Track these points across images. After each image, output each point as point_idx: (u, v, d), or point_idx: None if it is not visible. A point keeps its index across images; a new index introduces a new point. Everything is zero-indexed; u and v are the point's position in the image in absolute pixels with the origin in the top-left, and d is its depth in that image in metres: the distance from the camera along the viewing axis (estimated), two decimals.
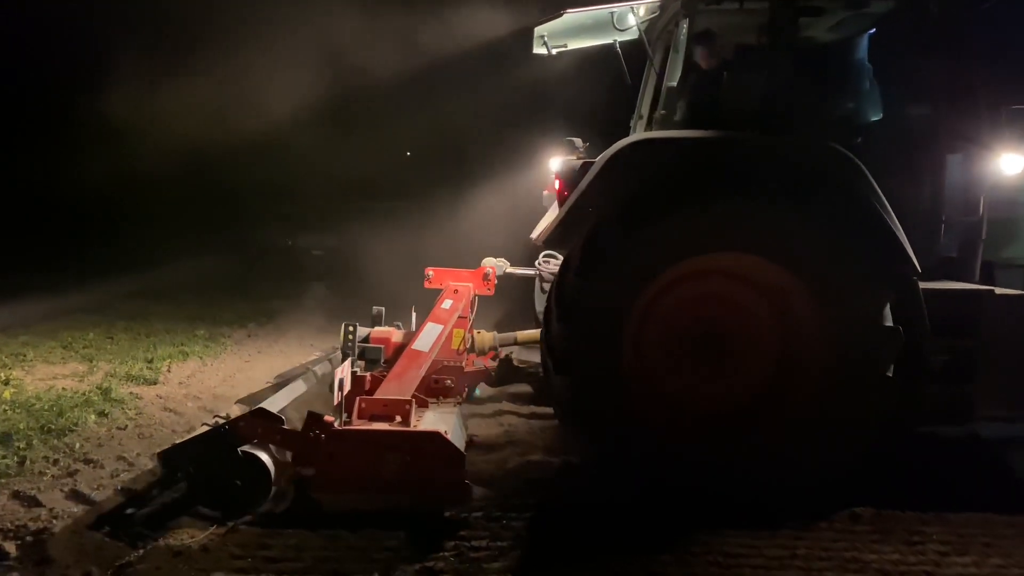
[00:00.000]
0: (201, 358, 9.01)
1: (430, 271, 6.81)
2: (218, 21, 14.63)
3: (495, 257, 6.96)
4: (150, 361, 8.56)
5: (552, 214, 6.25)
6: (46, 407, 6.38)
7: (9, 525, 4.34)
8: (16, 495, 4.74)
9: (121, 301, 12.33)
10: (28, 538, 4.23)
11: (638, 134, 5.27)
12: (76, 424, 6.07)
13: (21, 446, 5.51)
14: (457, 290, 6.31)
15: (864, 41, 5.54)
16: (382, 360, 5.73)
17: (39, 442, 5.65)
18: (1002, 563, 4.14)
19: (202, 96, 14.93)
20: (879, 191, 4.60)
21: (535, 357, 6.76)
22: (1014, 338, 4.77)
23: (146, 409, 6.73)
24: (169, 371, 8.23)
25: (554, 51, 6.72)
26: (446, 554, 4.15)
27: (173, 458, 4.62)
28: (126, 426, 6.22)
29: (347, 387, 4.89)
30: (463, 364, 6.50)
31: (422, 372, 5.50)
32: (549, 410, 6.58)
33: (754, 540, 4.38)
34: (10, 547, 4.12)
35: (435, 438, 4.56)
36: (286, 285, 14.56)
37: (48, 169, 18.10)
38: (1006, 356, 4.76)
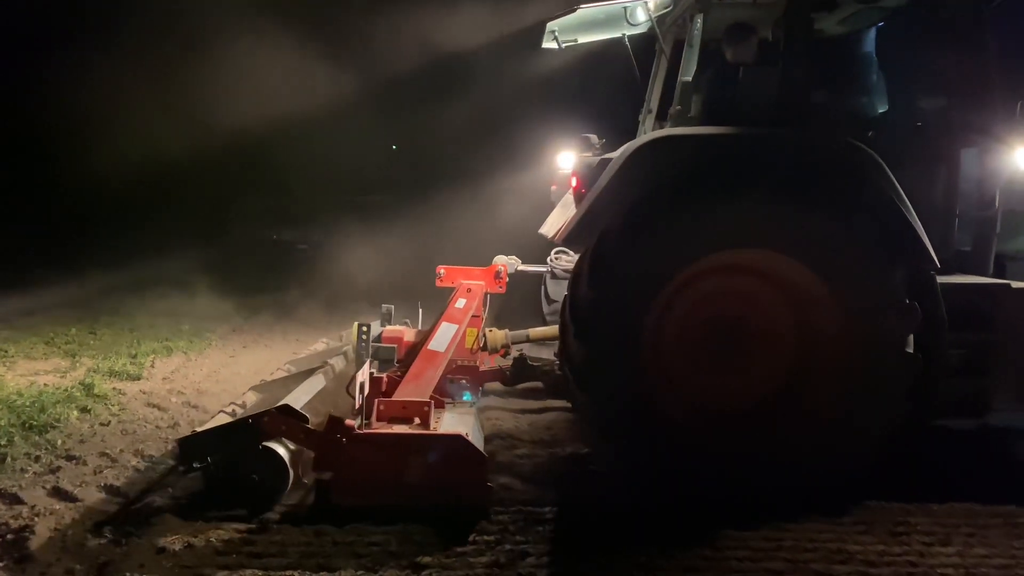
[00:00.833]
0: (185, 353, 8.94)
1: (441, 269, 6.72)
2: (205, 14, 14.53)
3: (506, 255, 6.88)
4: (134, 356, 8.45)
5: (560, 210, 6.23)
6: (27, 403, 6.25)
7: None
8: None
9: (104, 296, 12.22)
10: (9, 536, 4.15)
11: (658, 131, 5.19)
12: (58, 420, 5.97)
13: (2, 443, 5.47)
14: (470, 288, 6.23)
15: (872, 34, 5.58)
16: (395, 360, 5.64)
17: (20, 439, 5.55)
18: (986, 553, 4.14)
19: (188, 90, 14.84)
20: (898, 186, 4.59)
21: (548, 354, 6.71)
22: None
23: (129, 405, 6.75)
24: (153, 366, 8.22)
25: (563, 46, 6.70)
26: (433, 549, 4.12)
27: (192, 447, 4.56)
28: (109, 422, 6.22)
29: (367, 390, 4.85)
30: (478, 363, 6.43)
31: (439, 373, 5.44)
32: (559, 405, 6.63)
33: (741, 531, 4.37)
34: None
35: (457, 441, 4.51)
36: (271, 280, 14.47)
37: (36, 164, 17.92)
38: (1018, 349, 4.77)
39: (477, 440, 4.85)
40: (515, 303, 7.13)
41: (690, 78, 5.66)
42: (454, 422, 5.14)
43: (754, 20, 5.63)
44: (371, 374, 5.01)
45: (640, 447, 4.67)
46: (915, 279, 4.64)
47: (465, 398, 6.17)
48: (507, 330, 6.62)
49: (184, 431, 6.05)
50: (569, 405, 6.64)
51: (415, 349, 5.88)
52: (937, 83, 5.27)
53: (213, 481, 4.57)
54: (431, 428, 4.80)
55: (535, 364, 6.53)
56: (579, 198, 5.04)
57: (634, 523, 4.51)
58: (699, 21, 5.46)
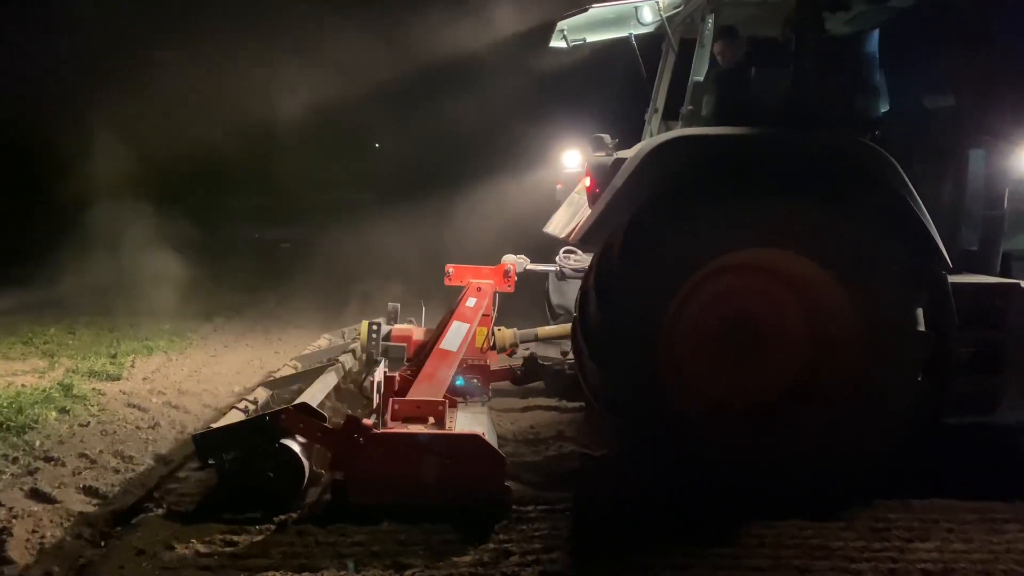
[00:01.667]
0: (166, 353, 8.77)
1: (450, 268, 6.68)
2: (186, 13, 14.42)
3: (514, 254, 6.84)
4: (113, 356, 8.26)
5: (566, 209, 6.25)
6: (5, 404, 6.03)
7: None
8: None
9: (84, 295, 12.08)
10: None
11: (674, 131, 5.21)
12: (36, 421, 5.80)
13: None
14: (480, 287, 6.20)
15: (876, 34, 5.62)
16: (405, 358, 5.63)
17: None
18: (963, 548, 4.19)
19: (169, 89, 14.70)
20: (911, 186, 4.63)
21: (555, 353, 6.68)
22: None
23: (109, 405, 6.62)
24: (133, 366, 8.06)
25: (572, 44, 6.73)
26: (416, 548, 4.09)
27: (207, 443, 4.53)
28: (88, 423, 6.09)
29: (382, 390, 4.84)
30: (488, 362, 6.42)
31: (452, 372, 5.46)
32: (544, 404, 6.64)
33: (725, 527, 4.38)
34: None
35: (475, 440, 4.52)
36: (253, 278, 14.39)
37: (13, 160, 17.68)
38: None
39: (492, 439, 4.84)
40: (522, 302, 7.09)
41: (702, 78, 5.72)
42: (469, 421, 5.18)
43: (765, 20, 5.70)
44: (375, 371, 4.97)
45: (649, 423, 4.67)
46: (928, 278, 4.68)
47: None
48: (515, 329, 6.60)
49: (165, 431, 6.00)
50: (555, 404, 6.66)
51: (424, 348, 5.89)
52: (945, 83, 5.35)
53: (228, 478, 4.54)
54: (446, 427, 4.81)
55: (545, 364, 6.48)
56: (593, 198, 5.03)
57: (617, 521, 4.51)
58: (710, 21, 5.50)
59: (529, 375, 6.43)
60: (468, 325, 5.74)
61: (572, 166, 7.61)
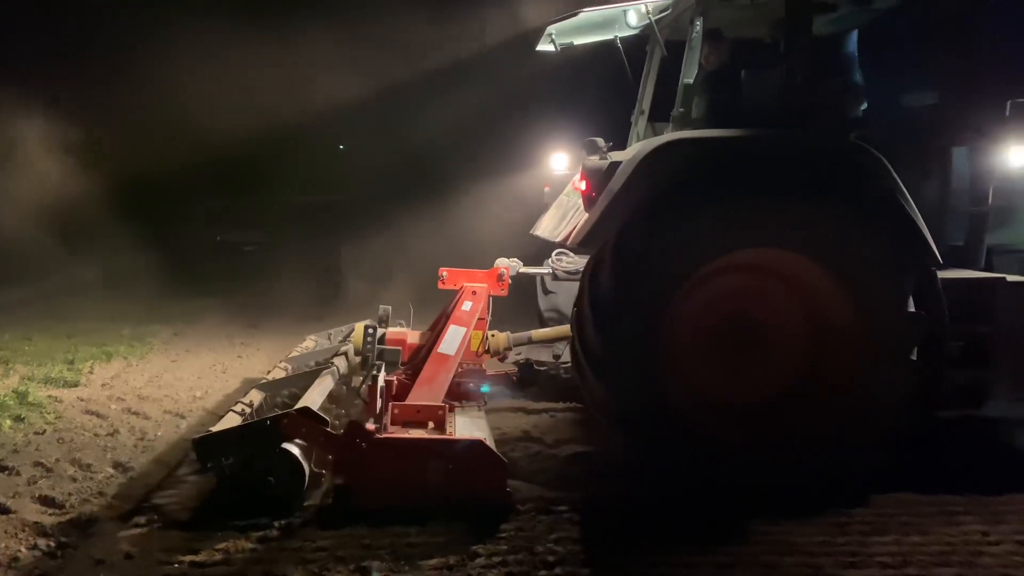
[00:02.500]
0: (126, 358, 8.52)
1: (444, 272, 6.62)
2: (145, 15, 14.20)
3: (507, 257, 6.80)
4: (71, 362, 7.97)
5: (555, 211, 6.23)
6: None
7: None
8: None
9: (41, 301, 11.82)
10: None
11: (670, 134, 5.24)
12: None
13: None
14: (475, 291, 6.19)
15: (855, 34, 5.75)
16: (400, 362, 5.65)
17: None
18: (921, 541, 4.26)
19: (131, 91, 14.46)
20: (902, 185, 4.71)
21: (547, 356, 6.68)
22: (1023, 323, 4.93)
23: (66, 413, 6.37)
24: (91, 372, 7.81)
25: (560, 48, 6.75)
26: (382, 552, 4.03)
27: (208, 447, 4.46)
28: (44, 431, 5.85)
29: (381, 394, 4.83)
30: (484, 367, 6.39)
31: (451, 376, 5.44)
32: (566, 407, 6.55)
33: (686, 526, 4.43)
34: None
35: (478, 446, 4.50)
36: (216, 282, 14.19)
37: None
38: (1017, 341, 4.91)
39: (491, 443, 4.78)
40: (512, 306, 7.07)
41: (691, 80, 5.76)
42: (469, 426, 5.14)
43: (753, 21, 5.79)
44: (375, 376, 4.92)
45: (656, 432, 4.66)
46: (919, 274, 4.76)
47: (484, 390, 6.14)
48: (508, 332, 6.54)
49: (125, 438, 5.80)
50: (550, 407, 6.59)
51: (420, 351, 5.83)
52: (929, 82, 5.46)
53: (228, 482, 4.48)
54: (447, 432, 4.80)
55: (541, 368, 6.46)
56: (589, 201, 5.03)
57: (609, 522, 4.50)
58: (699, 23, 5.54)
59: (525, 380, 6.40)
60: (465, 329, 5.71)
61: (560, 168, 7.62)
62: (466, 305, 5.99)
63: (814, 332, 5.00)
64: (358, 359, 6.24)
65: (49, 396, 6.81)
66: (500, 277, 6.53)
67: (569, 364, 6.16)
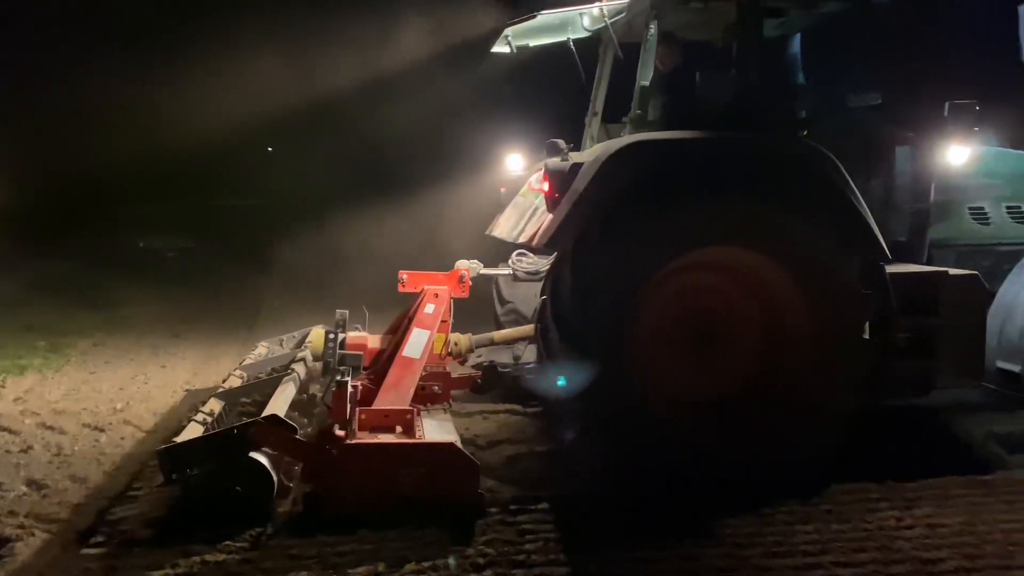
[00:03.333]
0: (41, 372, 8.08)
1: (404, 275, 6.51)
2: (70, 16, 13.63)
3: (468, 259, 6.71)
4: None
5: (512, 212, 6.22)
6: None
7: None
8: None
9: None
10: None
11: (632, 136, 5.31)
12: None
13: None
14: (437, 294, 6.13)
15: (798, 36, 5.97)
16: (362, 367, 5.48)
17: None
18: (841, 528, 4.42)
19: (56, 95, 13.85)
20: (852, 184, 4.88)
21: (507, 357, 6.66)
22: (966, 315, 5.19)
23: None
24: (3, 386, 7.41)
25: (516, 50, 6.74)
26: (361, 556, 4.00)
27: (173, 458, 4.34)
28: None
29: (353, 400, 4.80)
30: (448, 369, 6.32)
31: (416, 379, 5.41)
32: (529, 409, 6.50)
33: (615, 512, 4.53)
34: None
35: (449, 449, 4.49)
36: (138, 289, 13.48)
37: None
38: (958, 332, 5.16)
39: (460, 446, 4.76)
40: (465, 307, 6.98)
41: (647, 82, 5.83)
42: (437, 428, 5.11)
43: (706, 25, 5.89)
44: (345, 382, 4.85)
45: (624, 440, 4.74)
46: (868, 269, 4.95)
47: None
48: (469, 335, 6.49)
49: (39, 454, 5.56)
50: (512, 408, 6.59)
51: (382, 356, 5.78)
52: (872, 84, 5.67)
53: (194, 493, 4.39)
54: (416, 436, 4.77)
55: (504, 370, 6.42)
56: (553, 202, 5.05)
57: (561, 520, 4.52)
58: (654, 26, 5.60)
59: (489, 383, 6.36)
60: (429, 332, 5.66)
61: (515, 170, 7.61)
62: (428, 308, 5.94)
63: (770, 326, 5.17)
64: (316, 365, 6.12)
65: None
66: (461, 279, 6.47)
67: (531, 365, 6.16)
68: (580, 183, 4.87)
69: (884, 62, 5.64)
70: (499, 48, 6.84)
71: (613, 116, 6.65)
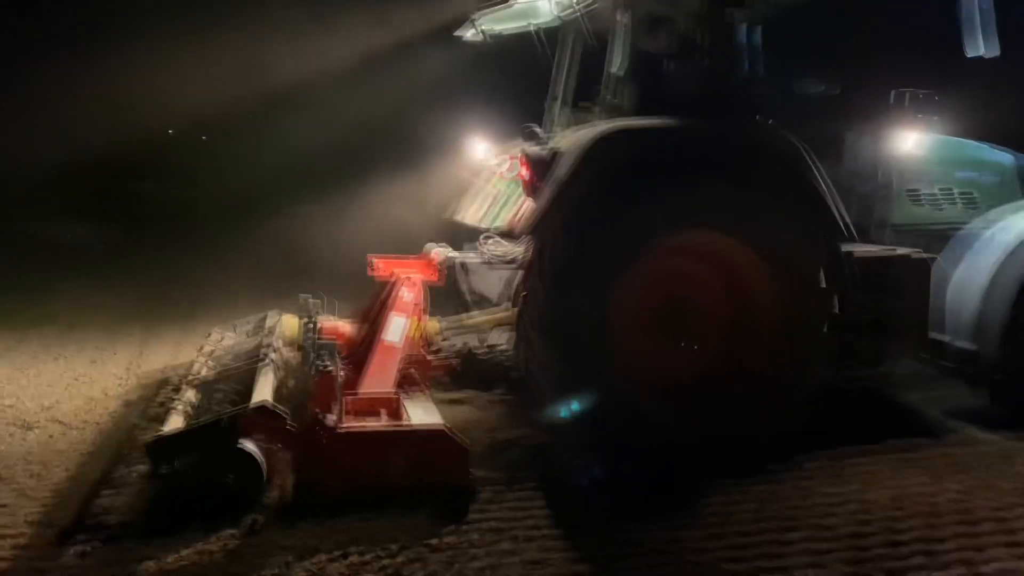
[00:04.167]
0: None
1: (374, 259, 6.41)
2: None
3: (437, 243, 6.70)
4: None
5: (478, 196, 6.26)
6: None
7: None
8: None
9: None
10: None
11: (612, 123, 5.31)
12: None
13: None
14: (412, 279, 6.10)
15: (760, 28, 6.18)
16: (339, 354, 5.40)
17: None
18: (777, 507, 4.61)
19: None
20: (817, 169, 5.09)
21: (476, 342, 6.61)
22: (920, 294, 5.47)
23: None
24: None
25: (488, 37, 6.76)
26: (359, 542, 4.03)
27: (161, 450, 4.29)
28: None
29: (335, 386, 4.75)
30: (426, 355, 6.26)
31: (397, 365, 5.40)
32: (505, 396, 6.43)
33: (526, 507, 4.61)
34: None
35: (440, 434, 4.51)
36: (65, 283, 12.85)
37: None
38: (913, 309, 5.45)
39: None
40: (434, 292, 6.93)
41: (617, 69, 5.87)
42: (422, 413, 5.08)
43: (675, 12, 5.89)
44: (329, 369, 4.83)
45: (601, 417, 4.83)
46: (832, 250, 5.20)
47: None
48: (438, 318, 6.46)
49: None
50: (487, 394, 6.52)
51: (360, 343, 5.76)
52: (827, 73, 5.96)
53: (182, 485, 4.28)
54: (403, 420, 4.80)
55: (481, 356, 6.42)
56: (532, 189, 5.08)
57: (551, 499, 4.64)
58: (625, 13, 5.66)
59: (468, 371, 6.37)
60: (406, 317, 5.65)
61: (478, 155, 7.59)
62: (405, 294, 5.92)
63: (740, 307, 5.33)
64: (289, 352, 6.01)
65: None
66: (438, 264, 6.44)
67: (506, 350, 6.20)
68: (562, 169, 4.91)
69: (838, 51, 5.95)
70: (463, 32, 6.80)
71: (572, 101, 6.75)
